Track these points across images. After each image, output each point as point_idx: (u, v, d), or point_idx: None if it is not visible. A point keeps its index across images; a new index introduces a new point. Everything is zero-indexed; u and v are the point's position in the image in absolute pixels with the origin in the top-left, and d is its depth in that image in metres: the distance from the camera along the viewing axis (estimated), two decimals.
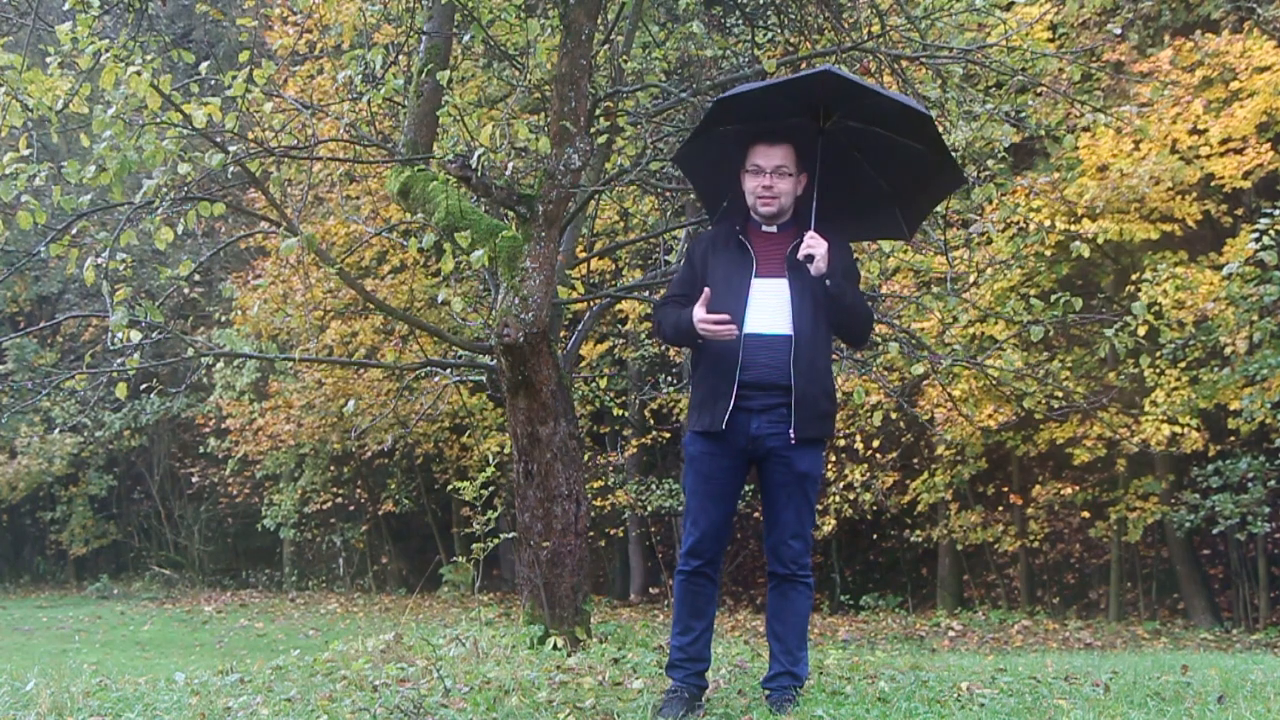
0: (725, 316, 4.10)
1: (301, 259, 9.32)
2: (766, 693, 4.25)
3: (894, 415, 12.91)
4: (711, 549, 4.25)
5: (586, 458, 14.37)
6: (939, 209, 7.55)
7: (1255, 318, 10.63)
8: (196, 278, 7.14)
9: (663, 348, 14.37)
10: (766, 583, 4.38)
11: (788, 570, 4.24)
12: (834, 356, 9.28)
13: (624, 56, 7.00)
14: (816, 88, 4.21)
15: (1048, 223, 11.26)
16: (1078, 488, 14.75)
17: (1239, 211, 12.41)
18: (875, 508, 15.75)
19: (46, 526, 21.95)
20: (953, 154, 4.48)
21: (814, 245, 4.10)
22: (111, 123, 5.21)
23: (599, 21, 6.19)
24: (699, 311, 4.12)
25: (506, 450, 12.99)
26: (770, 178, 4.24)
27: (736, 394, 4.12)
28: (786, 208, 4.29)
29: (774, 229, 4.30)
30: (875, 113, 4.30)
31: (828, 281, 4.15)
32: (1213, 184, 11.79)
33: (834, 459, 15.08)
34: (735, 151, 4.35)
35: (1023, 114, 7.51)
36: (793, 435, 4.13)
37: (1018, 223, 10.78)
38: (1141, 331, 7.67)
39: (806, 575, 4.26)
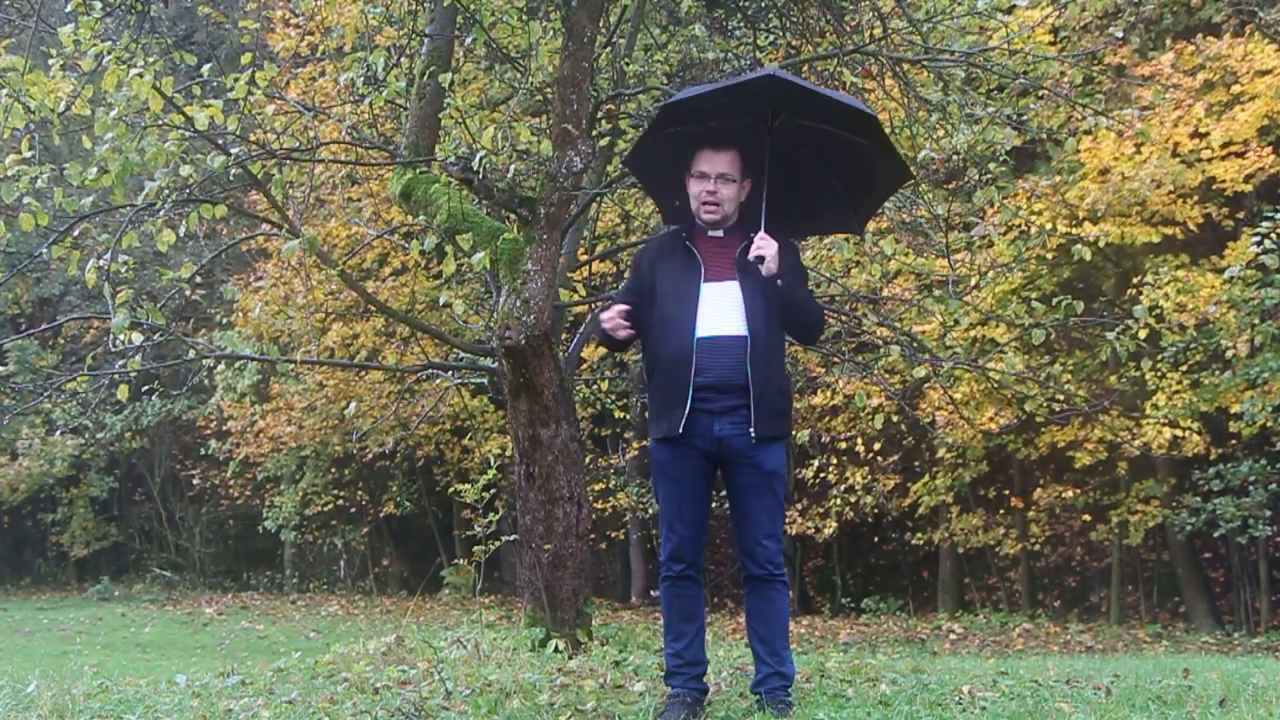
0: (622, 320, 4.20)
1: (303, 261, 9.32)
2: (757, 696, 4.25)
3: (895, 418, 12.91)
4: (691, 552, 4.28)
5: (588, 460, 14.35)
6: (941, 212, 7.56)
7: (1256, 321, 10.62)
8: (198, 280, 7.13)
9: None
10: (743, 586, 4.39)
11: (764, 571, 4.24)
12: (835, 360, 9.35)
13: (626, 59, 7.00)
14: (762, 89, 4.22)
15: (1049, 226, 11.26)
16: (1079, 491, 14.74)
17: (1240, 215, 12.41)
18: (876, 511, 15.74)
19: (48, 528, 21.95)
20: (896, 149, 4.51)
21: (764, 246, 4.12)
22: (113, 125, 5.22)
23: (601, 24, 6.19)
24: (609, 312, 4.21)
25: (508, 453, 13.00)
26: (714, 183, 4.26)
27: (695, 397, 4.14)
28: (730, 214, 4.32)
29: (720, 233, 4.33)
30: (822, 111, 4.33)
31: (779, 281, 4.17)
32: (1214, 187, 11.79)
33: (835, 462, 15.08)
34: (683, 155, 4.36)
35: (1024, 117, 7.50)
36: (754, 434, 4.14)
37: (1019, 226, 10.79)
38: (1143, 335, 7.66)
39: (782, 574, 4.28)
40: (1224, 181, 11.47)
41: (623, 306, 4.24)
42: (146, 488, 22.38)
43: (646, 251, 4.47)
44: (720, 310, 4.19)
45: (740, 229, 4.31)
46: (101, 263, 5.47)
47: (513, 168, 5.60)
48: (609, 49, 6.94)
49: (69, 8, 5.56)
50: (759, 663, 4.30)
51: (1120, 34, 11.45)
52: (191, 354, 7.10)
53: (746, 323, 4.17)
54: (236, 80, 5.36)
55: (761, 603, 4.28)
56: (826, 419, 14.24)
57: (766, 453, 4.20)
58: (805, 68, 7.30)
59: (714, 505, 4.61)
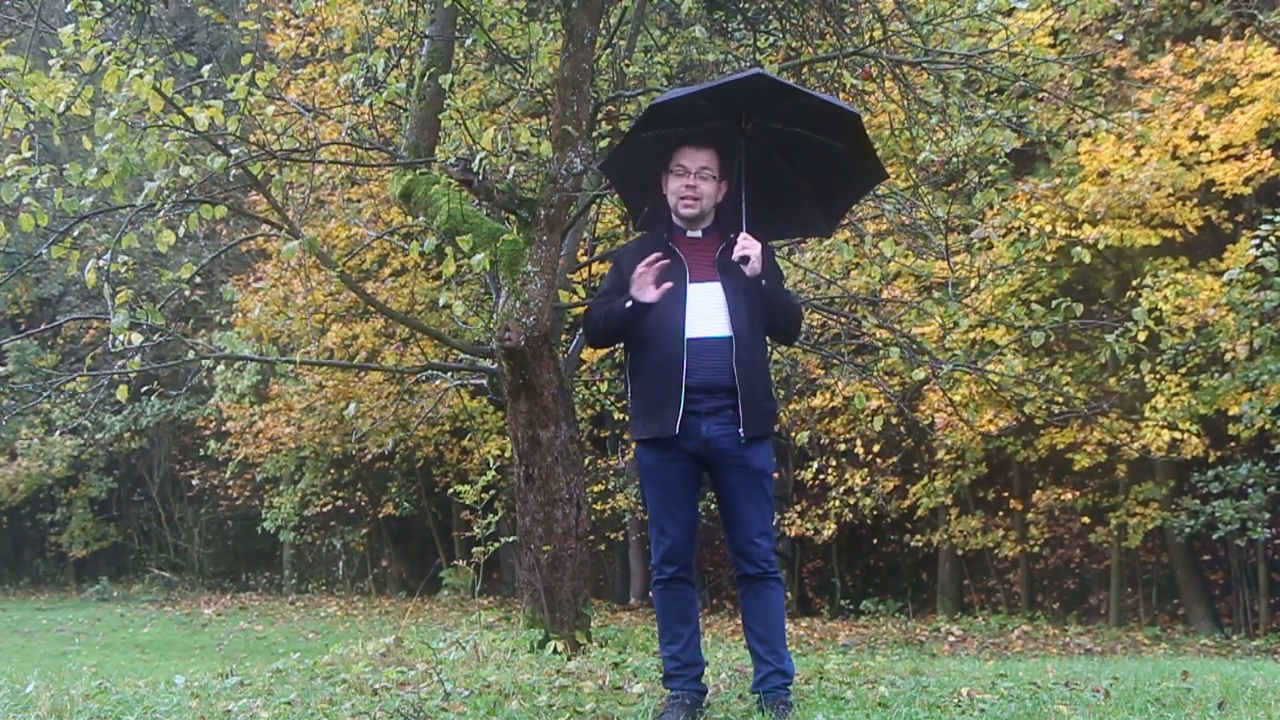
0: (666, 261, 4.16)
1: (303, 262, 9.31)
2: (757, 697, 4.25)
3: (894, 420, 12.91)
4: (684, 554, 4.30)
5: (587, 462, 14.35)
6: (940, 214, 7.56)
7: (1256, 323, 10.63)
8: (198, 280, 7.14)
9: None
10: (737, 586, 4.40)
11: (759, 569, 4.26)
12: (834, 362, 9.34)
13: (626, 61, 7.00)
14: (743, 92, 4.25)
15: (1049, 228, 11.26)
16: (1078, 493, 14.75)
17: (1240, 217, 12.42)
18: (875, 512, 15.74)
19: (46, 529, 21.95)
20: (874, 148, 4.54)
21: (748, 246, 4.14)
22: (113, 125, 5.22)
23: (601, 25, 6.19)
24: (640, 267, 4.16)
25: (507, 454, 13.00)
26: (694, 178, 4.29)
27: (685, 398, 4.15)
28: (707, 210, 4.34)
29: (699, 234, 4.35)
30: (799, 114, 4.37)
31: (764, 281, 4.20)
32: (1213, 190, 11.80)
33: (834, 464, 15.08)
34: (659, 156, 4.38)
35: (1024, 119, 7.50)
36: (743, 434, 4.16)
37: (1019, 228, 10.78)
38: (1142, 337, 7.67)
39: (776, 572, 4.31)
40: (1223, 184, 11.48)
41: (661, 259, 4.18)
42: (145, 488, 22.37)
43: (626, 252, 4.48)
44: (705, 311, 4.21)
45: (717, 230, 4.35)
46: (101, 263, 5.47)
47: (513, 169, 5.60)
48: (609, 50, 6.94)
49: (69, 8, 5.56)
50: (759, 662, 4.30)
51: (1120, 36, 11.45)
52: (191, 354, 7.10)
53: (730, 323, 4.20)
54: (236, 81, 5.36)
55: (757, 601, 4.29)
56: (826, 421, 14.24)
57: (754, 452, 4.22)
58: (805, 70, 7.30)
59: (709, 506, 4.62)
